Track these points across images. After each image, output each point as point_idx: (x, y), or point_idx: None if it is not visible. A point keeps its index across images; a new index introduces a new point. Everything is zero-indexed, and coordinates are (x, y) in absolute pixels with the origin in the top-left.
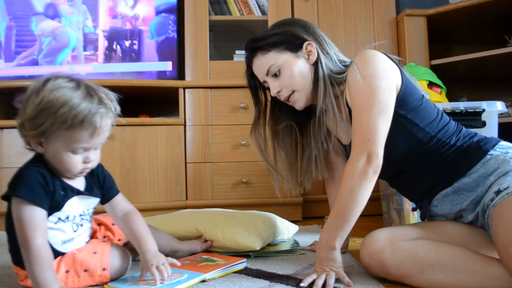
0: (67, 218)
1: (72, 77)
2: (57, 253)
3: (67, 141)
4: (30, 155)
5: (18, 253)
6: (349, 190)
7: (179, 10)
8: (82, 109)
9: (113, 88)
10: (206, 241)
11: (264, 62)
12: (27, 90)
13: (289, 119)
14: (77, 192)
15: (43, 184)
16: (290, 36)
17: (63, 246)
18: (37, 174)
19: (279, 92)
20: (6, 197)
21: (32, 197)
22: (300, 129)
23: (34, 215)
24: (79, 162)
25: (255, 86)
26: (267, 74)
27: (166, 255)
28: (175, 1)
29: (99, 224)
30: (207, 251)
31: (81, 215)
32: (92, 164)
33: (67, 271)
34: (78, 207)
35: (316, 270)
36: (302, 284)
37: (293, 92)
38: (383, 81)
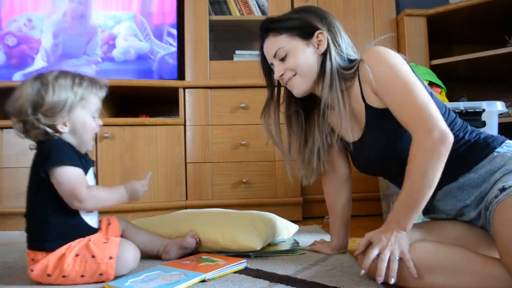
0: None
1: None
2: (82, 222)
3: (88, 106)
4: (29, 155)
5: (36, 236)
6: (422, 173)
7: (179, 10)
8: (87, 81)
9: (113, 88)
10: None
11: (273, 44)
12: (21, 95)
13: (297, 105)
14: (91, 163)
15: (73, 151)
16: (304, 23)
17: (87, 213)
18: (66, 144)
19: (282, 75)
20: (46, 172)
21: (73, 162)
22: (306, 118)
23: (76, 173)
24: (97, 127)
25: (268, 67)
26: (275, 56)
27: (158, 251)
28: (175, 1)
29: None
30: (205, 251)
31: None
32: (98, 129)
33: (77, 255)
34: (91, 177)
35: (379, 242)
36: (365, 261)
37: (295, 75)
38: (404, 66)
